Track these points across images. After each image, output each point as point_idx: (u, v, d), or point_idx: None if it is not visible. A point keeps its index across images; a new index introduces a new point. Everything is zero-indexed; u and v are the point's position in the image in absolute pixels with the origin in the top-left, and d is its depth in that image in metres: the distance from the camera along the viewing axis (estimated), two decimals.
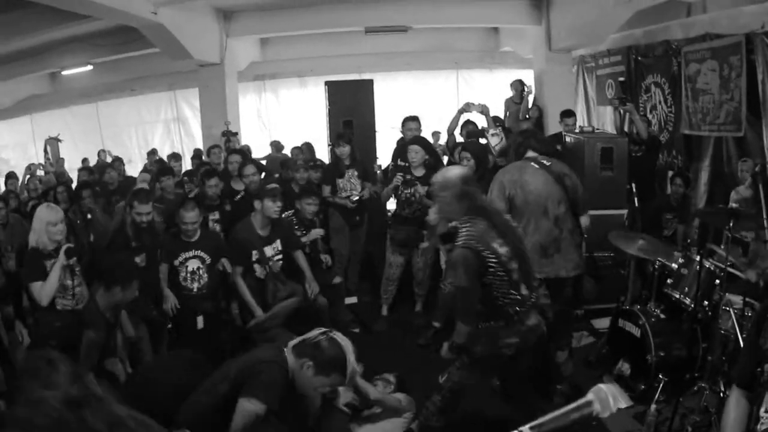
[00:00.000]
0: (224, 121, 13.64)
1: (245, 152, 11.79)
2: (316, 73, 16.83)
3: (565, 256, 6.60)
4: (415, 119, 9.70)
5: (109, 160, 14.97)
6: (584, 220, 6.92)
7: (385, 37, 15.30)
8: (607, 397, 2.04)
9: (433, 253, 9.08)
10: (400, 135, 9.94)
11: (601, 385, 2.09)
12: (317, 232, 8.75)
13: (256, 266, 7.76)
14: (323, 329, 4.64)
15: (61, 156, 16.72)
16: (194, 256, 7.51)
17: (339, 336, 4.58)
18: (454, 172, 5.32)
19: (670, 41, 11.33)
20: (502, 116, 13.46)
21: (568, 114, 10.98)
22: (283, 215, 8.42)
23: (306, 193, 8.90)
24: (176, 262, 7.45)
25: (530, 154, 6.71)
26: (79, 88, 18.64)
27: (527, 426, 1.93)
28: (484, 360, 5.17)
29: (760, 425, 3.07)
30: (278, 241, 7.94)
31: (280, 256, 7.95)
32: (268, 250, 7.81)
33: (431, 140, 12.64)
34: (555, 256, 6.53)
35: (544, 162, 6.59)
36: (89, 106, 19.46)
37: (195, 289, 7.52)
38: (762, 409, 3.07)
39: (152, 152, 15.60)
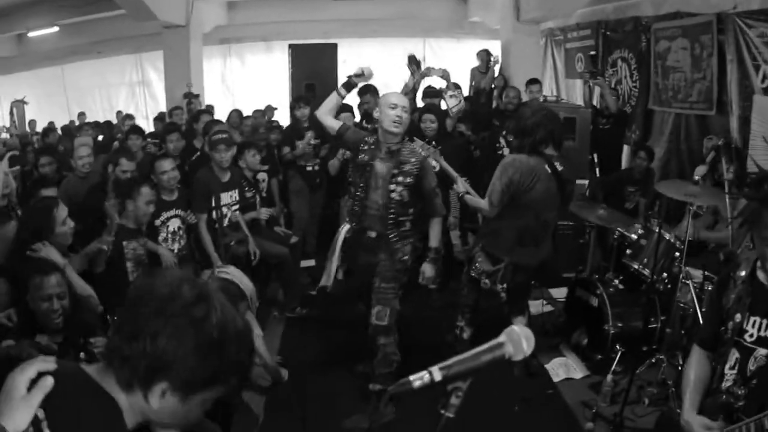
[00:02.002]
0: (186, 83, 13.46)
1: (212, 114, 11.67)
2: (282, 37, 16.61)
3: (539, 249, 6.46)
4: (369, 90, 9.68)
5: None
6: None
7: (352, 3, 15.19)
8: (519, 339, 1.94)
9: None
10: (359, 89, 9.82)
11: (514, 327, 1.98)
12: (265, 212, 8.32)
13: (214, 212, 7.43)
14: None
15: (30, 119, 16.60)
16: (175, 216, 7.22)
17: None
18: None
19: (640, 17, 11.28)
20: (468, 85, 13.42)
21: (533, 81, 10.94)
22: None
23: (246, 145, 8.56)
24: (157, 222, 7.06)
25: (549, 150, 6.27)
26: (45, 51, 18.50)
27: (436, 366, 1.84)
28: None
29: (724, 382, 3.16)
30: (236, 191, 7.70)
31: (237, 206, 7.69)
32: (225, 197, 7.51)
33: None
34: (530, 247, 6.41)
35: (558, 167, 6.29)
36: (54, 69, 19.32)
37: (176, 250, 7.18)
38: (726, 367, 3.16)
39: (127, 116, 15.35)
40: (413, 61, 8.56)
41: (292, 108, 9.99)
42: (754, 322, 3.08)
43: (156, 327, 1.81)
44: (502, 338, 1.94)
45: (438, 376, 1.83)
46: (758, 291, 3.14)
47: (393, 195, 5.85)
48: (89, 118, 15.94)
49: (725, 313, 3.25)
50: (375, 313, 5.98)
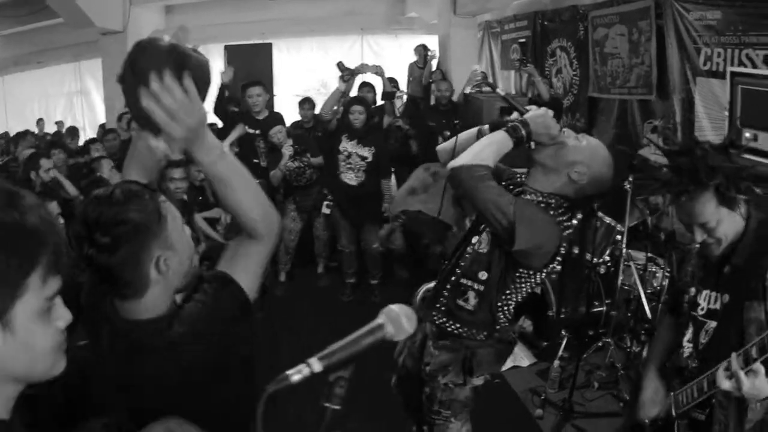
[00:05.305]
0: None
1: None
2: (219, 40, 16.40)
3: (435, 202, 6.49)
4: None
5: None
6: None
7: (288, 2, 15.16)
8: (399, 318, 1.87)
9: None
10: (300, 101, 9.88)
11: (392, 306, 1.90)
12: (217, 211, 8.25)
13: None
14: None
15: None
16: None
17: None
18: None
19: (577, 6, 11.31)
20: (406, 81, 13.48)
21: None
22: None
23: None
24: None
25: None
26: None
27: (315, 357, 1.74)
28: None
29: (681, 352, 3.26)
30: None
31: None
32: None
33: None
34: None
35: None
36: None
37: None
38: (685, 339, 3.25)
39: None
40: (342, 68, 8.67)
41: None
42: (705, 295, 3.16)
43: None
44: (380, 319, 1.87)
45: (318, 367, 1.74)
46: (708, 264, 3.21)
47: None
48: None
49: (683, 286, 3.34)
50: None
